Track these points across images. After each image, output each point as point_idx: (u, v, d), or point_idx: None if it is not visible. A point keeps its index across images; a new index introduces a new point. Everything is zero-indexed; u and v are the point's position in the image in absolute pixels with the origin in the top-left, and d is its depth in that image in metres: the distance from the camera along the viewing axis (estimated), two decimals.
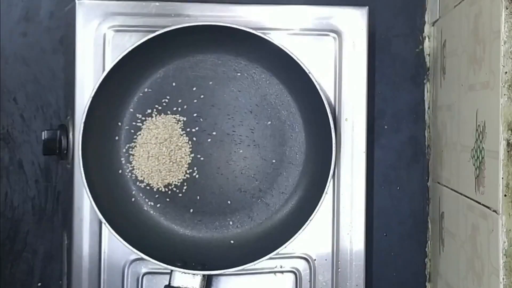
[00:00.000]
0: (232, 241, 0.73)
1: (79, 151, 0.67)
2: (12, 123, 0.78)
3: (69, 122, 0.72)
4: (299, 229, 0.68)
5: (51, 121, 0.79)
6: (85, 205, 0.70)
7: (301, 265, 0.74)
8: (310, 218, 0.68)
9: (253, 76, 0.74)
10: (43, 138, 0.71)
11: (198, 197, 0.73)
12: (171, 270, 0.68)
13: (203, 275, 0.69)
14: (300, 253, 0.74)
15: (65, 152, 0.71)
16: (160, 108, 0.73)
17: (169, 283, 0.68)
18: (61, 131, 0.71)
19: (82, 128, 0.67)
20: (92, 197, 0.66)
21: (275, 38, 0.70)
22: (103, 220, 0.67)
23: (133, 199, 0.73)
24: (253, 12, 0.73)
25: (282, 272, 0.74)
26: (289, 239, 0.68)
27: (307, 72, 0.68)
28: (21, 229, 0.78)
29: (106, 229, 0.69)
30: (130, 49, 0.67)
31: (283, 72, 0.73)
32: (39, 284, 0.79)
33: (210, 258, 0.71)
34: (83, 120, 0.66)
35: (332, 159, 0.68)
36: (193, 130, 0.73)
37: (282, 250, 0.68)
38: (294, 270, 0.74)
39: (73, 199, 0.70)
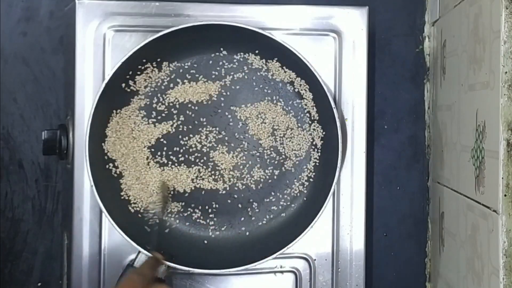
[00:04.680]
0: (232, 242, 0.73)
1: (86, 151, 0.67)
2: (12, 123, 0.78)
3: (69, 122, 0.72)
4: (301, 233, 0.69)
5: (51, 121, 0.79)
6: (85, 205, 0.70)
7: (301, 265, 0.74)
8: (312, 224, 0.69)
9: (253, 75, 0.74)
10: (43, 138, 0.71)
11: (199, 198, 0.73)
12: (138, 252, 0.68)
13: (167, 266, 0.68)
14: (300, 253, 0.74)
15: (65, 152, 0.71)
16: (159, 109, 0.73)
17: (132, 263, 0.68)
18: (61, 131, 0.71)
19: (88, 131, 0.67)
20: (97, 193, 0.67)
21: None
22: (105, 213, 0.67)
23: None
24: (253, 12, 0.73)
25: (282, 272, 0.74)
26: (290, 242, 0.69)
27: (313, 71, 0.68)
28: (21, 229, 0.78)
29: (106, 229, 0.69)
30: (130, 53, 0.67)
31: (284, 72, 0.73)
32: (39, 284, 0.79)
33: (211, 258, 0.71)
34: (89, 123, 0.66)
35: (338, 161, 0.68)
36: (194, 131, 0.73)
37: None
38: (294, 270, 0.74)
39: (73, 199, 0.70)
